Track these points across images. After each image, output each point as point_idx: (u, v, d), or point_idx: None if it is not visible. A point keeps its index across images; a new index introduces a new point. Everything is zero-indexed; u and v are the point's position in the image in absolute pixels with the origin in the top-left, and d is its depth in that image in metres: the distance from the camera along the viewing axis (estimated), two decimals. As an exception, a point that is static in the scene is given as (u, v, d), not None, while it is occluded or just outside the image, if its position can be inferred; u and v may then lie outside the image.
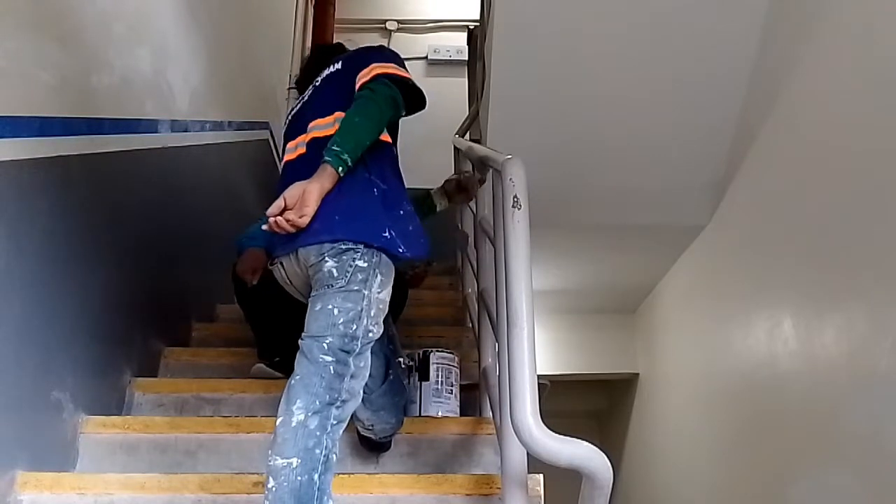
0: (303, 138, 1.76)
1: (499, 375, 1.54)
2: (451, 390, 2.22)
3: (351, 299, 1.53)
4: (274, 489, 1.39)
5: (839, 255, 2.15)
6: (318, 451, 1.42)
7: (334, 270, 1.54)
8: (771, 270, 2.62)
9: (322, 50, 2.18)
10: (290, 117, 1.97)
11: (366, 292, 1.54)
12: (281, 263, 1.71)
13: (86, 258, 2.08)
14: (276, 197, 1.65)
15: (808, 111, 2.36)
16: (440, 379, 2.21)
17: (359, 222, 1.57)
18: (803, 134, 2.39)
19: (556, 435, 1.12)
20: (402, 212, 1.67)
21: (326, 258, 1.54)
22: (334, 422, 1.47)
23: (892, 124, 1.89)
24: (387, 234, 1.58)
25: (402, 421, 1.96)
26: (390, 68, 1.71)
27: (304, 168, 1.66)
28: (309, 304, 1.56)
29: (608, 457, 1.13)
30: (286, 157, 1.83)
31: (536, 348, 1.24)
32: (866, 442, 1.99)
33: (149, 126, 2.59)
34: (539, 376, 1.22)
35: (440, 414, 2.16)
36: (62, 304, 1.96)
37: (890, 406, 1.88)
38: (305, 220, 1.53)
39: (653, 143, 2.86)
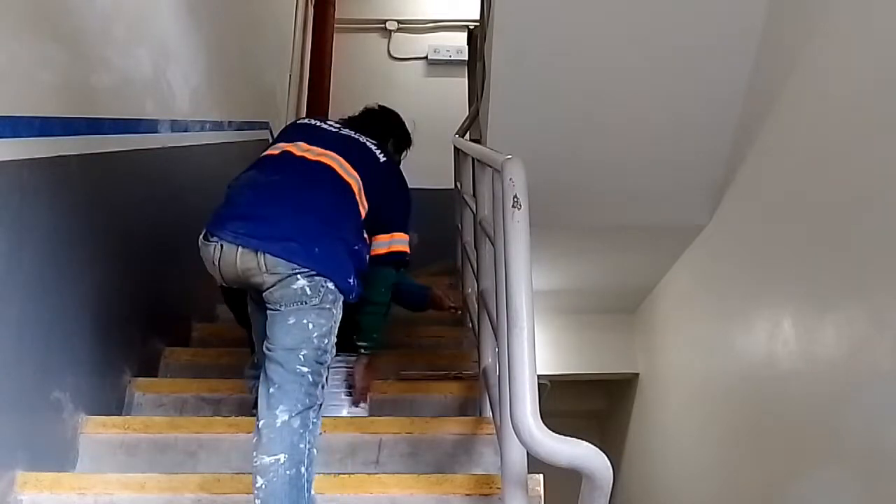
0: (320, 151, 1.93)
1: (499, 375, 1.54)
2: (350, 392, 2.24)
3: (324, 316, 1.66)
4: (264, 486, 1.51)
5: (839, 255, 2.14)
6: (302, 445, 1.54)
7: (307, 289, 1.65)
8: (771, 270, 2.62)
9: (376, 118, 2.36)
10: (312, 123, 2.15)
11: (335, 311, 1.70)
12: (221, 246, 1.77)
13: (86, 258, 2.08)
14: (247, 170, 1.95)
15: (808, 111, 2.35)
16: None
17: (333, 264, 1.73)
18: (803, 134, 2.39)
19: (556, 435, 1.12)
20: (362, 268, 1.89)
21: (299, 277, 1.65)
22: (314, 419, 1.61)
23: (892, 124, 1.89)
24: (351, 280, 1.77)
25: None
26: (403, 245, 2.06)
27: (297, 170, 1.88)
28: (275, 316, 1.66)
29: (608, 457, 1.12)
30: (287, 147, 1.95)
31: (536, 348, 1.24)
32: (866, 442, 1.99)
33: (149, 126, 2.59)
34: (539, 376, 1.22)
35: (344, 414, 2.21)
36: (62, 304, 1.96)
37: (890, 406, 1.88)
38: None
39: (653, 143, 2.86)
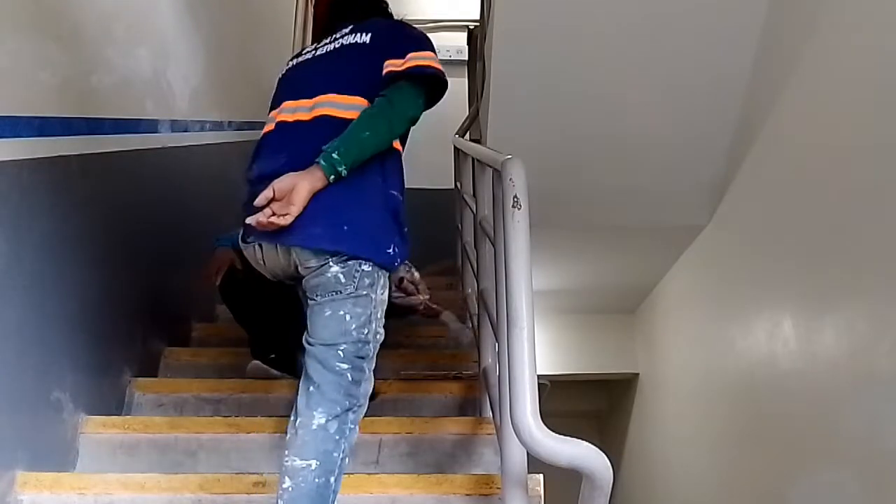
0: (306, 104, 1.67)
1: (499, 375, 1.54)
2: None
3: (361, 304, 1.52)
4: (290, 489, 1.42)
5: (839, 255, 2.14)
6: (335, 454, 1.45)
7: (341, 276, 1.51)
8: (771, 270, 2.62)
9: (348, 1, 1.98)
10: (292, 68, 1.85)
11: (373, 296, 1.54)
12: (260, 246, 1.64)
13: (86, 258, 2.07)
14: (253, 159, 1.65)
15: (808, 111, 2.35)
16: None
17: (366, 237, 1.54)
18: (803, 134, 2.39)
19: (556, 435, 1.12)
20: (406, 228, 1.64)
21: (331, 264, 1.51)
22: (351, 426, 1.50)
23: (892, 124, 1.89)
24: (391, 250, 1.57)
25: None
26: (425, 60, 1.64)
27: (297, 135, 1.63)
28: (313, 307, 1.54)
29: (608, 457, 1.12)
30: (280, 117, 1.72)
31: (536, 348, 1.24)
32: (866, 442, 1.99)
33: (149, 126, 2.59)
34: (539, 376, 1.22)
35: None
36: (62, 303, 1.96)
37: (890, 406, 1.88)
38: (288, 220, 1.47)
39: (653, 143, 2.86)
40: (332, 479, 1.44)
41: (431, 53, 1.67)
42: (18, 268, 1.74)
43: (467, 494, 1.75)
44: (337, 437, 1.46)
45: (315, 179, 1.49)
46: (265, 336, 2.41)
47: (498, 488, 1.69)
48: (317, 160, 1.50)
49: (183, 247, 2.83)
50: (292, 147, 1.63)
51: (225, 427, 2.09)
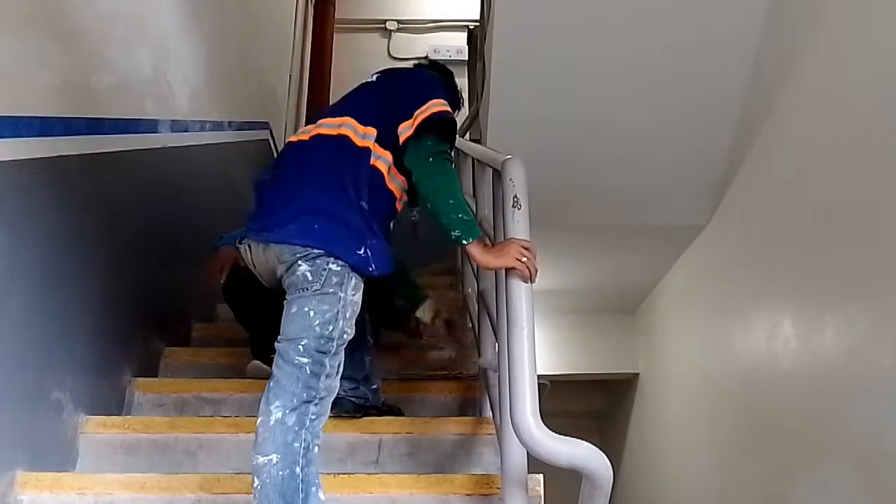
0: (311, 128, 1.78)
1: (499, 375, 1.54)
2: None
3: (327, 301, 1.55)
4: (259, 487, 1.46)
5: (839, 255, 2.14)
6: (296, 444, 1.46)
7: (308, 274, 1.56)
8: (771, 270, 2.62)
9: None
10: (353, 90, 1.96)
11: (341, 294, 1.57)
12: (249, 246, 1.78)
13: (86, 258, 2.08)
14: (263, 173, 1.79)
15: (808, 111, 2.36)
16: None
17: (335, 237, 1.59)
18: (803, 134, 2.39)
19: (556, 435, 1.12)
20: (377, 229, 1.66)
21: (300, 262, 1.57)
22: (313, 416, 1.50)
23: (891, 124, 1.89)
24: (361, 251, 1.60)
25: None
26: (437, 107, 1.67)
27: (297, 154, 1.74)
28: (284, 307, 1.59)
29: (608, 457, 1.13)
30: (292, 138, 1.85)
31: (536, 348, 1.24)
32: (866, 442, 1.99)
33: (149, 126, 2.59)
34: (539, 376, 1.22)
35: None
36: (62, 303, 1.96)
37: (890, 406, 1.88)
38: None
39: (653, 143, 2.86)
40: (298, 469, 1.45)
41: (440, 101, 1.70)
42: (19, 268, 1.74)
43: (467, 494, 1.75)
44: (297, 429, 1.47)
45: (477, 249, 1.51)
46: (266, 335, 2.40)
47: (498, 488, 1.69)
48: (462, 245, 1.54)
49: (183, 246, 2.83)
50: (292, 159, 1.77)
51: (225, 427, 2.09)
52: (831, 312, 2.19)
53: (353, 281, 1.59)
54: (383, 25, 5.84)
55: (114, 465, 2.01)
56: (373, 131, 1.70)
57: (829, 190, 2.21)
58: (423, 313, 2.45)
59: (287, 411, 1.47)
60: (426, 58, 5.72)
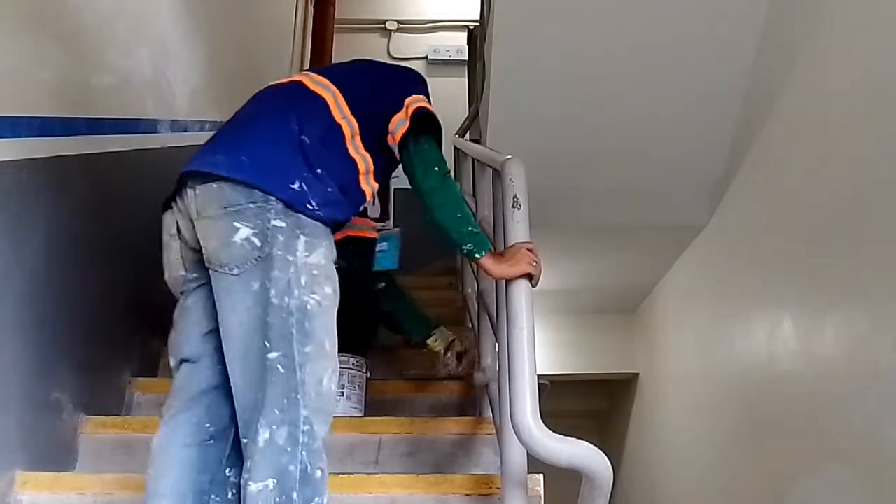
0: (295, 76, 1.68)
1: (499, 375, 1.54)
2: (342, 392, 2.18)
3: (278, 267, 1.35)
4: None
5: (839, 255, 2.14)
6: (292, 467, 1.27)
7: (251, 240, 1.36)
8: (771, 270, 2.62)
9: None
10: None
11: (290, 258, 1.37)
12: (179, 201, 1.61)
13: (86, 258, 2.07)
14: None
15: (808, 111, 2.35)
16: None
17: (265, 169, 1.41)
18: (803, 134, 2.39)
19: (556, 435, 1.12)
20: (321, 171, 1.46)
21: (236, 223, 1.37)
22: (306, 427, 1.31)
23: (892, 124, 1.89)
24: (296, 185, 1.40)
25: None
26: (418, 103, 1.57)
27: (270, 95, 1.63)
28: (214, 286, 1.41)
29: (608, 457, 1.13)
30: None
31: (536, 348, 1.24)
32: (866, 442, 1.98)
33: (149, 126, 2.59)
34: (539, 376, 1.22)
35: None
36: (62, 303, 1.95)
37: (890, 406, 1.88)
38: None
39: (653, 143, 2.86)
40: (296, 495, 1.27)
41: (421, 96, 1.60)
42: (18, 268, 1.74)
43: (467, 494, 1.75)
44: (289, 448, 1.28)
45: (490, 261, 1.42)
46: None
47: (498, 488, 1.69)
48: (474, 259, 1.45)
49: (183, 247, 2.83)
50: (265, 101, 1.65)
51: (225, 427, 2.08)
52: (831, 312, 2.19)
53: (303, 238, 1.39)
54: (383, 25, 5.84)
55: (113, 466, 2.00)
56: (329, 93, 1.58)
57: (828, 189, 2.21)
58: (436, 342, 2.30)
59: (274, 427, 1.29)
60: (425, 58, 5.74)
